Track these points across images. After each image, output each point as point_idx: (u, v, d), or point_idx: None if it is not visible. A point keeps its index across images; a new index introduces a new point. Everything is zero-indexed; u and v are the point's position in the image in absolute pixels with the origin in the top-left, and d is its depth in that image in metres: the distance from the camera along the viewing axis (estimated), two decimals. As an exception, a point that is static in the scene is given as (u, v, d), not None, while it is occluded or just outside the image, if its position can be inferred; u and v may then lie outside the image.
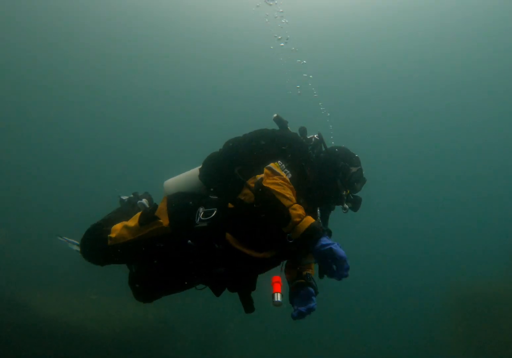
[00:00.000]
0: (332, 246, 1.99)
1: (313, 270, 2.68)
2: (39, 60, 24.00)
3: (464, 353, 10.72)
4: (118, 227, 2.63)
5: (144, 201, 3.05)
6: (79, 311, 10.24)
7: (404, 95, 25.49)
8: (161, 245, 2.49)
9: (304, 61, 5.55)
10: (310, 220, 2.10)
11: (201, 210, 2.42)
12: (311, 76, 5.10)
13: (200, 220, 2.37)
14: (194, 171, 2.74)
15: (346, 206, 2.61)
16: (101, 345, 9.51)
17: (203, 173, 2.64)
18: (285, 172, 2.35)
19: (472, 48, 23.26)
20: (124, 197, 3.19)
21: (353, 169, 2.63)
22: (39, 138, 24.01)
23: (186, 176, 2.77)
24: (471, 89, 24.61)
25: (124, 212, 2.98)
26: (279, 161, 2.39)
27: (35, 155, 23.61)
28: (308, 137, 2.72)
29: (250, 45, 23.10)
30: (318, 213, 2.57)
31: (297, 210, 2.12)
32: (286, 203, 2.13)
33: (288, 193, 2.19)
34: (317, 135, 2.73)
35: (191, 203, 2.51)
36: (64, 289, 11.35)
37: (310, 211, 2.36)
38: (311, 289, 2.46)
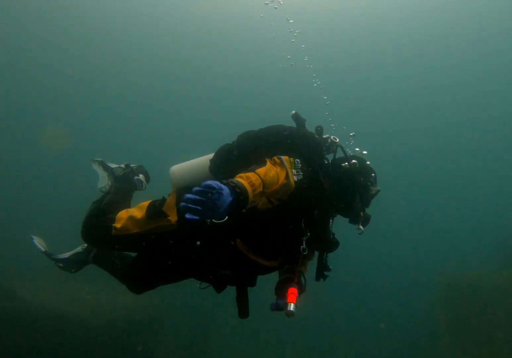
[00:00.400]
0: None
1: (307, 268, 2.69)
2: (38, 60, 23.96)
3: (453, 341, 10.87)
4: (123, 215, 2.52)
5: (141, 177, 3.05)
6: (67, 298, 10.15)
7: (404, 84, 25.45)
8: (170, 242, 2.42)
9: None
10: (245, 183, 1.89)
11: None
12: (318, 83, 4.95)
13: (212, 223, 2.12)
14: (204, 160, 2.65)
15: (361, 227, 2.52)
16: (90, 333, 9.43)
17: (213, 165, 2.56)
18: (296, 171, 2.26)
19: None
20: (113, 165, 3.14)
21: (374, 190, 2.57)
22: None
23: (195, 166, 2.67)
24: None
25: (123, 191, 2.90)
26: (297, 160, 2.30)
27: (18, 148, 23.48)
28: (324, 136, 2.62)
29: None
30: (331, 222, 2.54)
31: (250, 178, 1.96)
32: (260, 171, 2.06)
33: (271, 175, 2.11)
34: (333, 137, 2.61)
35: None
36: (53, 278, 11.26)
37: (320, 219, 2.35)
38: (295, 286, 2.42)
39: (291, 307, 2.18)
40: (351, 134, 2.91)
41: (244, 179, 1.90)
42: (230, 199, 1.72)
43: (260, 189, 1.98)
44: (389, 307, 16.94)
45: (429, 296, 12.99)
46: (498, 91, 24.23)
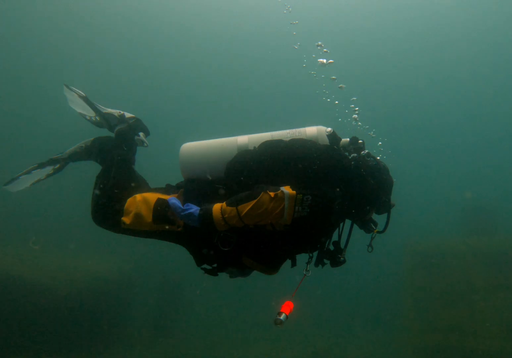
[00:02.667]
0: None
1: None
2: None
3: (414, 305, 11.32)
4: (131, 207, 2.45)
5: (141, 135, 2.89)
6: (33, 264, 9.91)
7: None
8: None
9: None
10: (220, 221, 2.18)
11: None
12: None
13: (220, 244, 2.34)
14: (221, 150, 2.46)
15: (372, 243, 2.55)
16: (58, 300, 9.26)
17: (230, 170, 2.41)
18: (302, 208, 2.18)
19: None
20: (103, 108, 2.93)
21: (391, 204, 2.53)
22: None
23: (210, 155, 2.47)
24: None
25: (126, 164, 2.73)
26: (307, 197, 2.18)
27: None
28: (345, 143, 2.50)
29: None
30: (341, 226, 2.50)
31: (230, 214, 2.16)
32: (243, 209, 2.16)
33: (256, 212, 2.15)
34: (361, 141, 2.49)
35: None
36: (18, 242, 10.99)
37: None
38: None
39: (282, 316, 2.19)
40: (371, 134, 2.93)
41: (220, 211, 2.17)
42: (195, 222, 2.19)
43: (234, 221, 2.16)
44: (360, 274, 17.45)
45: (396, 263, 13.38)
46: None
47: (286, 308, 2.24)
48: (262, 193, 2.16)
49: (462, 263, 10.96)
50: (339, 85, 4.17)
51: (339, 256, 2.46)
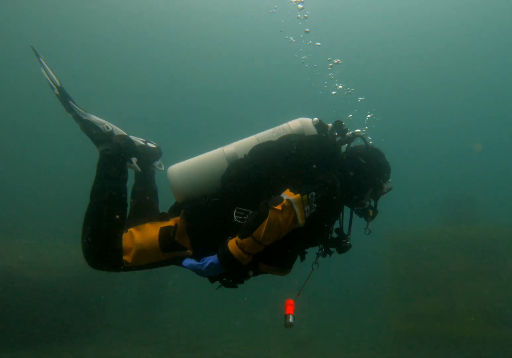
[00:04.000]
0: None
1: None
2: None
3: (394, 293, 11.46)
4: (129, 244, 2.27)
5: (134, 162, 2.57)
6: (6, 254, 9.66)
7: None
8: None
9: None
10: (242, 257, 2.07)
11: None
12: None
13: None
14: (211, 164, 2.36)
15: (369, 226, 2.57)
16: (32, 290, 9.03)
17: (227, 183, 2.31)
18: (310, 206, 2.14)
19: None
20: (86, 115, 2.51)
21: (386, 188, 2.57)
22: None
23: (201, 172, 2.36)
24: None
25: (117, 197, 2.39)
26: (311, 193, 2.15)
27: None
28: (347, 133, 2.49)
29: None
30: (341, 216, 2.51)
31: (247, 245, 2.06)
32: (257, 234, 2.05)
33: (272, 232, 2.06)
34: (355, 131, 2.53)
35: (215, 227, 2.27)
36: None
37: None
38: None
39: (290, 318, 2.16)
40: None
41: (237, 247, 2.05)
42: (220, 269, 2.10)
43: (256, 249, 2.07)
44: (342, 263, 17.54)
45: (378, 252, 13.49)
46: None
47: (290, 308, 2.20)
48: (268, 210, 2.06)
49: (443, 251, 11.11)
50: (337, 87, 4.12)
51: (344, 240, 2.47)
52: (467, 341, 9.79)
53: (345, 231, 2.51)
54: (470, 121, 27.77)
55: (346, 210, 2.53)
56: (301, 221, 2.13)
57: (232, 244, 2.08)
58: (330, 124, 2.46)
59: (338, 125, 2.43)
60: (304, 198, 2.12)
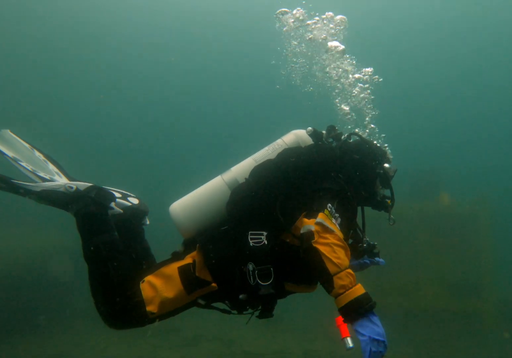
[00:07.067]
0: (369, 341, 1.81)
1: None
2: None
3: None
4: (149, 293, 2.16)
5: (114, 206, 2.44)
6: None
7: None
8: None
9: None
10: (355, 293, 1.92)
11: (251, 267, 2.13)
12: None
13: (261, 285, 2.11)
14: (213, 195, 2.32)
15: (392, 216, 2.54)
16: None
17: (234, 209, 2.25)
18: (334, 217, 2.13)
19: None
20: (53, 184, 2.27)
21: (391, 171, 2.53)
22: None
23: (205, 205, 2.31)
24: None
25: (122, 254, 2.28)
26: (328, 206, 2.13)
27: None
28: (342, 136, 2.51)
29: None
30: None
31: (343, 279, 1.93)
32: (333, 269, 1.93)
33: (339, 256, 1.97)
34: (346, 135, 2.53)
35: (231, 254, 2.20)
36: None
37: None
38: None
39: (350, 342, 1.96)
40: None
41: (358, 291, 1.93)
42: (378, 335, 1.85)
43: (349, 276, 1.96)
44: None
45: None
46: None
47: (344, 328, 2.00)
48: (314, 247, 1.98)
49: (408, 226, 11.29)
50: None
51: (361, 244, 2.50)
52: (431, 313, 10.12)
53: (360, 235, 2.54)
54: (436, 94, 28.13)
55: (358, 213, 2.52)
56: (338, 233, 2.09)
57: (340, 293, 1.92)
58: (324, 132, 2.46)
59: (331, 130, 2.44)
60: (326, 213, 2.10)
